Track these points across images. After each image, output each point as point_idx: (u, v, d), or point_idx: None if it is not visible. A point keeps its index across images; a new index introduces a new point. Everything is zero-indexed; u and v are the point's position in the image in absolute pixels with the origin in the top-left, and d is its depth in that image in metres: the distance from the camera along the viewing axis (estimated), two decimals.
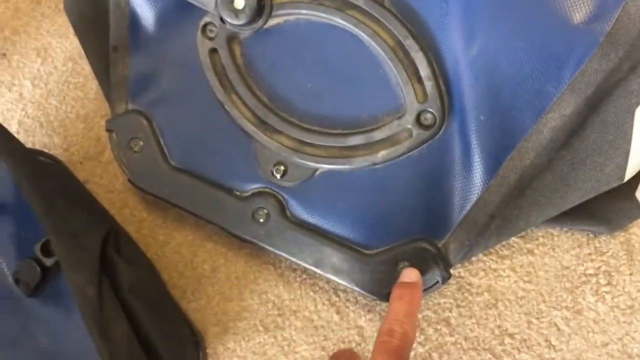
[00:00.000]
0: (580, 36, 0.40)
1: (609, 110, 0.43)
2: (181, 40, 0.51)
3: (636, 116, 0.42)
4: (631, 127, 0.42)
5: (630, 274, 0.50)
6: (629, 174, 0.43)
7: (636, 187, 0.48)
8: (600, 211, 0.49)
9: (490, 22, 0.43)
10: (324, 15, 0.47)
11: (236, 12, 0.48)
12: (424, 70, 0.45)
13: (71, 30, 0.63)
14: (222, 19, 0.49)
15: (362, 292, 0.48)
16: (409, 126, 0.46)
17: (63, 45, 0.64)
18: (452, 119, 0.46)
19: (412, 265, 0.46)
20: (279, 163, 0.49)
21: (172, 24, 0.51)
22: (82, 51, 0.60)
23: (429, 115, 0.46)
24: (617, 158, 0.43)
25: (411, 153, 0.47)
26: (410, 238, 0.47)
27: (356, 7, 0.46)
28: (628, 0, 0.39)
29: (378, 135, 0.47)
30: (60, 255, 0.47)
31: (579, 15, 0.40)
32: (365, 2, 0.46)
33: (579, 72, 0.41)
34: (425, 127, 0.46)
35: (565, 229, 0.51)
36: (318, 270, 0.49)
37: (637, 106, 0.42)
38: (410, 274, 0.45)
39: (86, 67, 0.62)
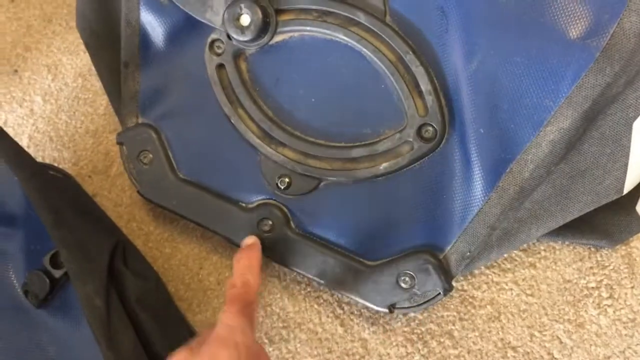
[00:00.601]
0: (577, 51, 0.41)
1: (607, 124, 0.43)
2: (190, 56, 0.52)
3: (634, 130, 0.43)
4: (629, 140, 0.43)
5: (632, 287, 0.50)
6: (627, 187, 0.44)
7: (636, 202, 0.49)
8: (601, 225, 0.50)
9: (489, 38, 0.44)
10: (327, 31, 0.48)
11: (242, 29, 0.49)
12: (425, 85, 0.46)
13: (82, 47, 0.64)
14: (228, 36, 0.50)
15: (364, 303, 0.48)
16: (411, 139, 0.47)
17: (73, 62, 0.66)
18: (453, 132, 0.46)
19: (414, 277, 0.47)
20: (284, 175, 0.50)
21: (181, 40, 0.53)
22: (92, 68, 0.61)
23: (430, 129, 0.47)
24: (616, 171, 0.44)
25: (413, 165, 0.47)
26: (412, 250, 0.48)
27: (358, 24, 0.47)
28: (623, 16, 0.40)
29: (380, 147, 0.48)
30: (68, 266, 0.48)
31: (575, 31, 0.41)
32: (366, 19, 0.47)
33: (576, 86, 0.41)
34: (426, 140, 0.47)
35: (567, 243, 0.52)
36: (322, 282, 0.49)
37: (634, 120, 0.43)
38: (247, 240, 0.50)
39: (96, 84, 0.64)
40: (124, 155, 0.55)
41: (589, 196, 0.45)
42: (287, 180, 0.50)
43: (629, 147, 0.43)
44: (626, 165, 0.43)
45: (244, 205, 0.51)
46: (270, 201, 0.51)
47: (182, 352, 0.41)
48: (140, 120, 0.55)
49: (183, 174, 0.53)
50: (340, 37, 0.48)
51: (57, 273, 0.50)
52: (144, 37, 0.54)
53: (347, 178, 0.49)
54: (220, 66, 0.51)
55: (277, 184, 0.50)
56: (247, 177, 0.51)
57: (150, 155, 0.53)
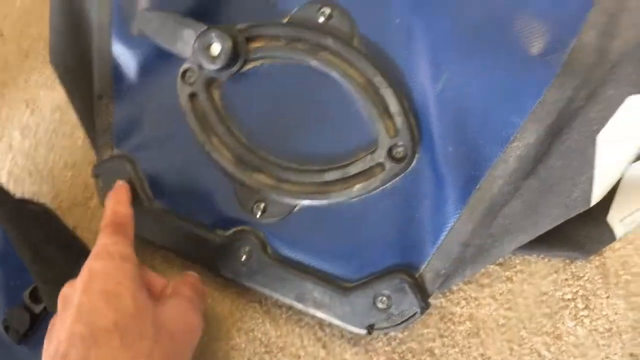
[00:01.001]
0: (539, 67, 0.42)
1: (572, 138, 0.44)
2: (162, 87, 0.53)
3: (598, 142, 0.44)
4: (593, 153, 0.44)
5: (607, 297, 0.51)
6: (595, 199, 0.45)
7: (607, 213, 0.50)
8: (574, 237, 0.50)
9: (455, 58, 0.45)
10: (297, 57, 0.49)
11: (213, 58, 0.49)
12: (394, 106, 0.47)
13: (58, 81, 0.64)
14: (199, 65, 0.51)
15: (343, 325, 0.49)
16: (382, 160, 0.47)
17: (51, 96, 0.66)
18: (423, 152, 0.47)
19: (391, 297, 0.47)
20: (259, 201, 0.51)
21: (153, 71, 0.53)
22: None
23: (400, 149, 0.47)
24: (583, 184, 0.44)
25: (385, 186, 0.48)
26: (388, 269, 0.48)
27: (327, 49, 0.48)
28: (582, 31, 0.41)
29: (353, 170, 0.48)
30: (48, 301, 0.48)
31: (536, 48, 0.42)
32: (335, 44, 0.48)
33: (540, 102, 0.42)
34: (398, 161, 0.47)
35: (542, 256, 0.52)
36: (300, 305, 0.49)
37: (597, 133, 0.43)
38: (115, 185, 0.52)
39: (73, 117, 0.64)
40: (100, 188, 0.55)
41: (557, 209, 0.45)
42: (262, 205, 0.51)
43: (593, 160, 0.44)
44: (592, 177, 0.44)
45: (221, 232, 0.52)
46: (247, 227, 0.51)
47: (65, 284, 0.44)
48: (115, 152, 0.55)
49: (159, 204, 0.54)
50: (310, 62, 0.49)
51: (37, 308, 0.50)
52: (116, 70, 0.54)
53: (322, 201, 0.49)
54: (193, 95, 0.52)
55: (252, 210, 0.51)
56: (223, 204, 0.52)
57: None
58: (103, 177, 0.55)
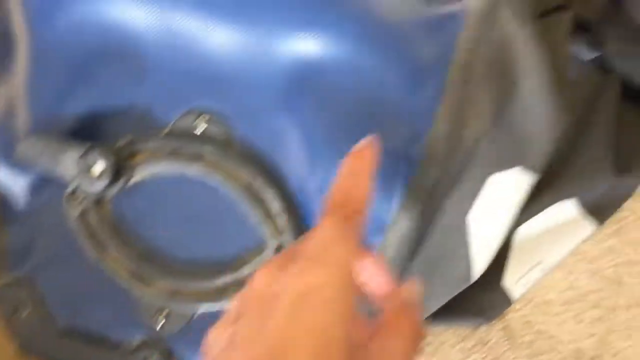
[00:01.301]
0: (401, 159, 0.44)
1: (445, 220, 0.46)
2: (52, 208, 0.53)
3: (469, 221, 0.45)
4: (465, 232, 0.45)
5: (515, 358, 0.52)
6: (476, 274, 0.46)
7: (501, 278, 0.51)
8: (474, 305, 0.52)
9: (327, 155, 0.46)
10: (178, 168, 0.49)
11: (97, 177, 0.49)
12: (276, 206, 0.48)
13: None
14: (84, 185, 0.51)
15: None
16: None
17: None
18: None
19: None
20: (159, 311, 0.50)
21: (42, 193, 0.53)
22: None
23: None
24: (460, 262, 0.46)
25: None
26: None
27: (206, 157, 0.49)
28: (435, 123, 0.43)
29: (245, 272, 0.49)
30: None
31: (397, 141, 0.44)
32: (212, 151, 0.49)
33: (406, 191, 0.44)
34: None
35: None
36: None
37: (467, 213, 0.45)
38: (360, 143, 0.38)
39: None
40: (1, 313, 0.54)
41: (443, 287, 0.47)
42: (162, 315, 0.50)
43: (466, 239, 0.46)
44: (468, 255, 0.46)
45: (125, 346, 0.51)
46: (150, 339, 0.51)
47: (268, 268, 0.33)
48: (13, 276, 0.54)
49: (62, 324, 0.53)
50: (191, 171, 0.49)
51: None
52: (3, 195, 0.54)
53: (218, 306, 0.49)
54: (83, 213, 0.52)
55: (154, 321, 0.51)
56: (125, 319, 0.51)
57: (27, 310, 0.53)
58: (2, 302, 0.54)
